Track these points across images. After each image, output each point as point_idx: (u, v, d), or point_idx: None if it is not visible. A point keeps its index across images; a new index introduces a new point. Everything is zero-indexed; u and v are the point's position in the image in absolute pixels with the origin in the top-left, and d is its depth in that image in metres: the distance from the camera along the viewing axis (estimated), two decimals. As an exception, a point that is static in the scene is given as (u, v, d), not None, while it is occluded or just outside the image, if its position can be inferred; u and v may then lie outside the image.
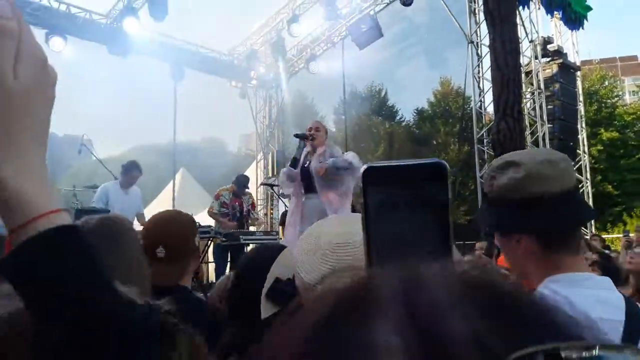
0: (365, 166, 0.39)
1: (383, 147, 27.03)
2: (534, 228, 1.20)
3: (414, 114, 30.40)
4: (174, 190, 13.46)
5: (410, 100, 30.26)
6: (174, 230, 1.83)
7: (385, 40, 13.27)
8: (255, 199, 14.31)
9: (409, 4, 11.26)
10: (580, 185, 12.19)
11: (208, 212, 8.18)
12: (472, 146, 11.04)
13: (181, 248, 1.81)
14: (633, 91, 43.22)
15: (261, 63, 13.91)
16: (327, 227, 1.06)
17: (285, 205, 10.89)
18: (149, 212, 8.04)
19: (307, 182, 5.13)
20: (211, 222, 8.26)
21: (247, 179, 8.54)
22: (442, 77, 29.61)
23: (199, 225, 8.07)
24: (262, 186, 14.07)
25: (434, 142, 27.84)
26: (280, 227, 10.94)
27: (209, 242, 7.86)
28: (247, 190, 8.44)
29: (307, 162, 5.17)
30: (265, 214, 14.45)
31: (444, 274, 0.29)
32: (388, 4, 12.17)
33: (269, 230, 12.68)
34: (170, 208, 12.81)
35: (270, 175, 14.39)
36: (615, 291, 1.18)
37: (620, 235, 15.93)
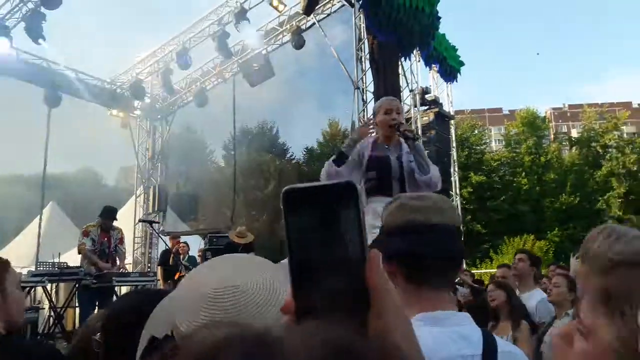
0: (285, 189, 0.43)
1: (273, 184, 27.05)
2: (392, 254, 1.23)
3: (304, 153, 30.98)
4: (40, 226, 12.18)
5: (301, 139, 30.86)
6: None
7: (277, 79, 13.42)
8: (133, 236, 13.53)
9: (300, 47, 11.54)
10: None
11: (79, 249, 7.30)
12: (358, 186, 11.33)
13: None
14: (498, 139, 48.02)
15: (146, 93, 13.33)
16: (208, 270, 0.94)
17: (166, 243, 10.32)
18: (12, 250, 7.12)
19: (380, 179, 3.71)
20: (78, 261, 7.51)
21: (114, 208, 7.81)
22: (331, 118, 30.65)
23: (65, 265, 7.34)
24: (140, 223, 13.22)
25: (323, 181, 28.45)
26: (159, 268, 10.26)
27: (77, 284, 7.13)
28: (115, 223, 7.73)
29: (374, 155, 3.76)
30: (143, 254, 13.55)
31: (301, 340, 0.30)
32: (280, 45, 12.36)
33: (146, 271, 11.90)
34: (35, 245, 11.60)
35: (150, 211, 13.59)
36: (473, 326, 1.23)
37: (489, 271, 17.28)
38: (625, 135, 36.99)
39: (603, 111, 37.53)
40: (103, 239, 7.39)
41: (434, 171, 3.65)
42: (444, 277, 1.25)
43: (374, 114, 3.85)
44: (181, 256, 10.07)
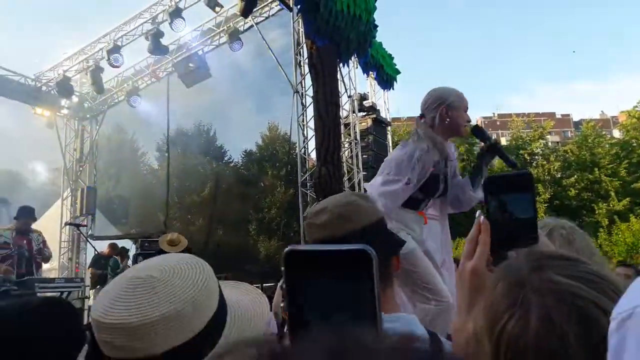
0: (287, 249, 0.39)
1: (210, 187, 26.52)
2: None
3: (242, 156, 30.57)
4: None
5: (239, 141, 30.29)
6: None
7: (214, 80, 13.18)
8: (59, 240, 12.86)
9: (238, 49, 11.40)
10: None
11: None
12: (296, 189, 11.36)
13: None
14: (433, 146, 49.50)
15: (75, 92, 12.70)
16: (145, 261, 0.98)
17: (95, 248, 9.90)
18: None
19: (424, 198, 3.05)
20: None
21: (31, 208, 7.23)
22: (270, 122, 30.42)
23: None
24: (67, 227, 12.61)
25: (262, 184, 28.22)
26: (90, 270, 9.87)
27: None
28: (39, 226, 7.30)
29: (434, 172, 3.00)
30: (70, 259, 12.91)
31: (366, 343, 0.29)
32: (217, 47, 12.15)
33: (72, 277, 11.38)
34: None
35: (78, 214, 12.97)
36: (420, 327, 1.26)
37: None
38: (549, 144, 39.23)
39: (530, 121, 39.61)
40: (21, 242, 6.90)
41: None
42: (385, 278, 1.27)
43: (450, 105, 2.96)
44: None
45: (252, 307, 1.03)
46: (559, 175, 34.04)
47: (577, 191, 32.50)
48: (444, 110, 2.94)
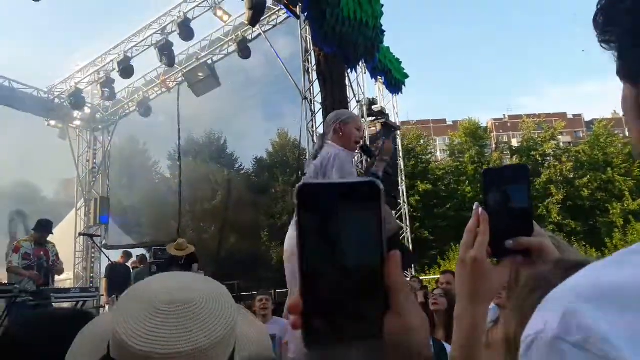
0: (300, 183, 0.40)
1: (221, 194, 26.66)
2: None
3: (253, 163, 30.73)
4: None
5: (250, 149, 30.51)
6: None
7: (223, 89, 13.30)
8: (73, 250, 13.01)
9: (246, 57, 11.49)
10: (401, 232, 13.26)
11: (7, 268, 6.95)
12: (307, 195, 11.37)
13: None
14: (443, 149, 49.43)
15: (87, 103, 12.88)
16: (159, 281, 0.95)
17: (109, 258, 9.96)
18: None
19: None
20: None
21: (50, 222, 7.38)
22: (280, 129, 30.58)
23: (-1, 282, 6.93)
24: (81, 237, 12.75)
25: (273, 191, 28.29)
26: (105, 280, 9.92)
27: (13, 301, 6.72)
28: (53, 237, 7.42)
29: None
30: (85, 268, 13.04)
31: None
32: (226, 55, 12.26)
33: (87, 286, 11.48)
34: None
35: (92, 224, 13.12)
36: None
37: (437, 277, 17.65)
38: (561, 144, 38.88)
39: (541, 122, 39.30)
40: (39, 253, 7.04)
41: None
42: None
43: (343, 122, 3.41)
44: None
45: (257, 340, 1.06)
46: (572, 176, 33.71)
47: (590, 191, 32.16)
48: (338, 125, 3.42)
